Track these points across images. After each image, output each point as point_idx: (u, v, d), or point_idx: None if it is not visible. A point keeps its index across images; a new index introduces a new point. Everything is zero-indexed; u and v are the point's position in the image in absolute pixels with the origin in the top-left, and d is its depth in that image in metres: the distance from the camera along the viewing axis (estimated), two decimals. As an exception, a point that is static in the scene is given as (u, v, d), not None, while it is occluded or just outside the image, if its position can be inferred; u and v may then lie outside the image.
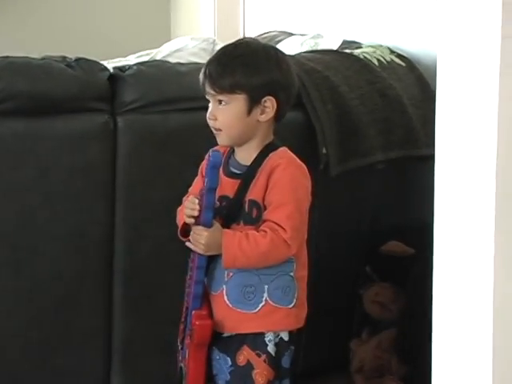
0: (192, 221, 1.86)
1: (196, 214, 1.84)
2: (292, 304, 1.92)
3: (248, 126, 1.88)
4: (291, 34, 3.32)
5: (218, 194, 1.88)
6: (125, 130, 2.17)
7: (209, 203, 1.82)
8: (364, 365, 2.47)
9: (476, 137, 1.44)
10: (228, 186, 1.90)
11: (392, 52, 2.78)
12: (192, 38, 2.82)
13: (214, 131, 1.91)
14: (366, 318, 2.53)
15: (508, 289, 1.43)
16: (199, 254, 1.87)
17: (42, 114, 2.11)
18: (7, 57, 2.11)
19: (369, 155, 2.47)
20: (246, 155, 1.92)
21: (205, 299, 1.92)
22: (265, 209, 1.87)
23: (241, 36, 4.15)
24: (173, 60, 2.49)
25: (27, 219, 2.12)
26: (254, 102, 1.87)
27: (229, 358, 1.91)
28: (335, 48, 2.85)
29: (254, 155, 1.91)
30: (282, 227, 1.84)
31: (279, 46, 3.09)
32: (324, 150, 2.39)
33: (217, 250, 1.85)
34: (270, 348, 1.90)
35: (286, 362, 1.93)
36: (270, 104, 1.88)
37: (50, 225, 2.14)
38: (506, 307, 1.43)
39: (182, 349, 1.96)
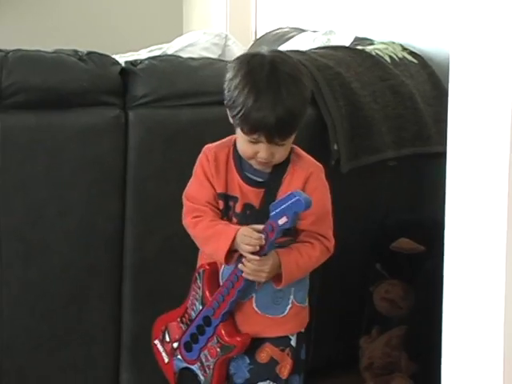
0: (250, 256, 1.80)
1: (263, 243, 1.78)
2: (307, 301, 1.96)
3: None
4: (303, 31, 3.32)
5: (241, 201, 1.87)
6: (136, 124, 2.17)
7: (276, 238, 1.79)
8: (373, 362, 2.46)
9: (488, 134, 1.44)
10: (252, 195, 1.87)
11: (404, 49, 2.78)
12: (204, 33, 2.82)
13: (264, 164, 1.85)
14: (376, 315, 2.53)
15: (519, 286, 1.42)
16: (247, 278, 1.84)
17: (54, 108, 2.11)
18: (19, 50, 2.10)
19: (380, 152, 2.47)
20: None
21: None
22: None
23: (252, 30, 4.15)
24: (184, 55, 2.49)
25: (37, 213, 2.12)
26: None
27: (246, 357, 1.92)
28: (347, 44, 2.85)
29: None
30: (327, 238, 1.88)
31: (291, 42, 3.10)
32: (335, 147, 2.38)
33: (274, 273, 1.84)
34: (293, 341, 1.93)
35: (302, 354, 1.97)
36: None
37: (59, 219, 2.14)
38: (517, 305, 1.42)
39: (190, 351, 1.94)
